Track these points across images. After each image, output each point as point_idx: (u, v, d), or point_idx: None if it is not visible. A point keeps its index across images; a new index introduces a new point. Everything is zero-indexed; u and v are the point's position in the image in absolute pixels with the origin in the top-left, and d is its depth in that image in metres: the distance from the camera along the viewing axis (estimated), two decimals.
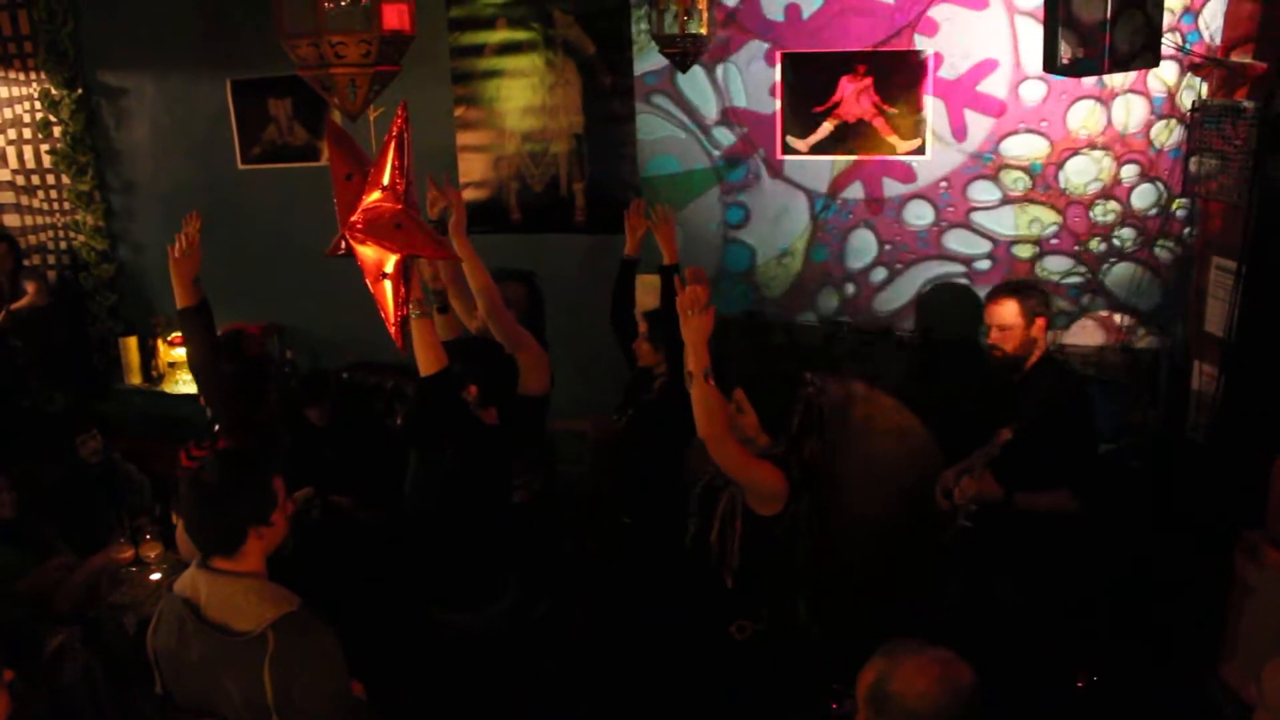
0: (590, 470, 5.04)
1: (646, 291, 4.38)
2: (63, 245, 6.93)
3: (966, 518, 3.60)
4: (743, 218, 5.17)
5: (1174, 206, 4.41)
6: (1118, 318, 4.57)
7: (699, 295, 2.93)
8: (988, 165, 4.63)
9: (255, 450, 3.09)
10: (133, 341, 6.56)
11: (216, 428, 3.87)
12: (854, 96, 4.75)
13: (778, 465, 3.04)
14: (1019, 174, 4.62)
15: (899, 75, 4.66)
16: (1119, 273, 4.56)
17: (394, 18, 2.35)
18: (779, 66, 4.86)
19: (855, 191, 4.91)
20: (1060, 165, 4.55)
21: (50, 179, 6.80)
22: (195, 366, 3.82)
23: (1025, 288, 3.72)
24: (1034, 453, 3.47)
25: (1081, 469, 3.62)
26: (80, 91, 6.46)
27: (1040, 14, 3.96)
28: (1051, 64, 3.59)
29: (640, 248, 4.28)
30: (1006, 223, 4.70)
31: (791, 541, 3.07)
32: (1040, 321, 3.65)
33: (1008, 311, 3.64)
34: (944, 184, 4.74)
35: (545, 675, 3.85)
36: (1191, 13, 4.21)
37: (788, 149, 4.92)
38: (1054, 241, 4.63)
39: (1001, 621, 3.62)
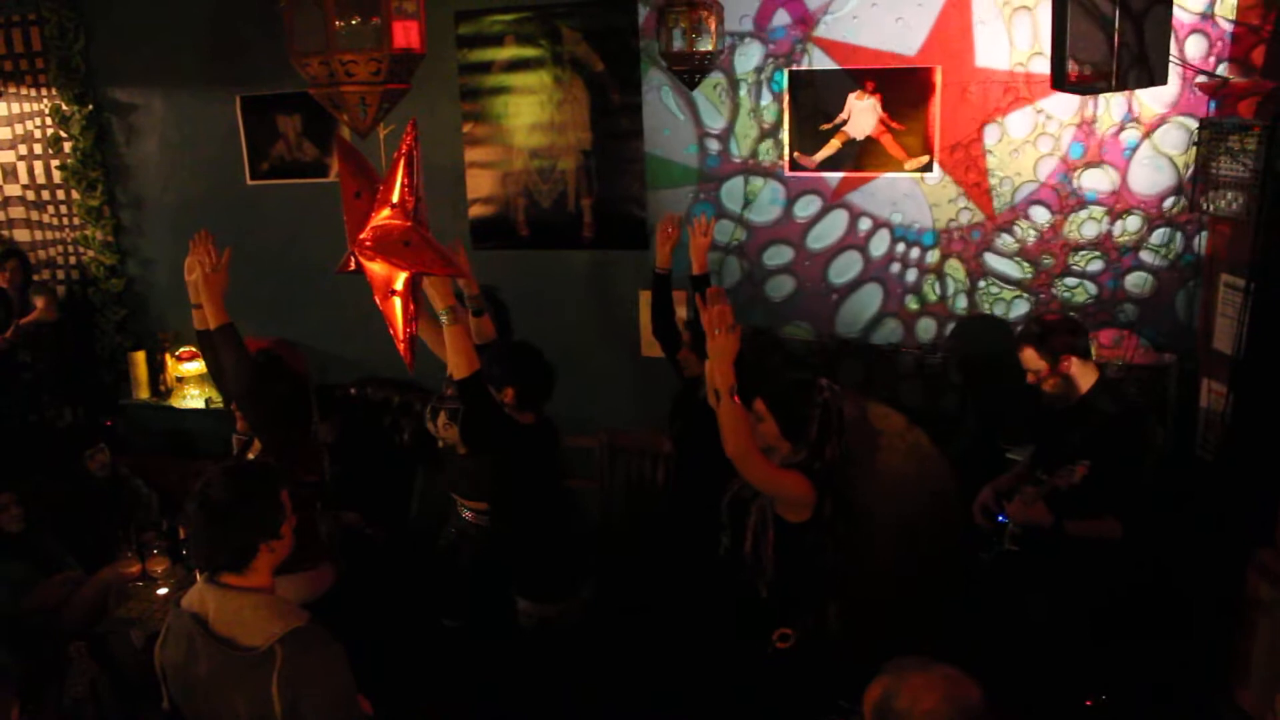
0: (605, 485, 5.04)
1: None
2: (72, 260, 6.95)
3: (1013, 541, 3.59)
4: None
5: (1182, 222, 4.41)
6: (1125, 335, 4.55)
7: (725, 314, 2.93)
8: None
9: (262, 465, 3.06)
10: (141, 356, 6.55)
11: (241, 455, 3.84)
12: (862, 114, 4.75)
13: (802, 472, 3.06)
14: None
15: (907, 92, 4.67)
16: (1127, 290, 4.55)
17: (404, 36, 2.36)
18: (786, 83, 4.88)
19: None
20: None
21: (60, 194, 6.82)
22: (241, 390, 3.55)
23: (1040, 334, 3.65)
24: (1086, 481, 3.43)
25: (1130, 498, 3.55)
26: (91, 107, 6.49)
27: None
28: (1060, 80, 3.60)
29: (671, 260, 4.32)
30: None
31: (823, 546, 3.09)
32: (1069, 359, 3.59)
33: (1028, 357, 3.65)
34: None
35: (576, 683, 3.85)
36: (1200, 31, 4.22)
37: (795, 165, 4.93)
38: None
39: (1030, 640, 3.61)
